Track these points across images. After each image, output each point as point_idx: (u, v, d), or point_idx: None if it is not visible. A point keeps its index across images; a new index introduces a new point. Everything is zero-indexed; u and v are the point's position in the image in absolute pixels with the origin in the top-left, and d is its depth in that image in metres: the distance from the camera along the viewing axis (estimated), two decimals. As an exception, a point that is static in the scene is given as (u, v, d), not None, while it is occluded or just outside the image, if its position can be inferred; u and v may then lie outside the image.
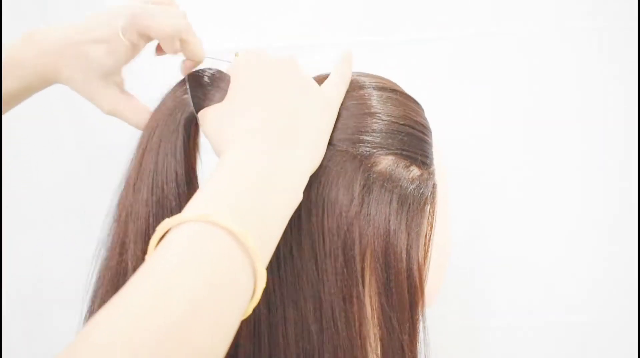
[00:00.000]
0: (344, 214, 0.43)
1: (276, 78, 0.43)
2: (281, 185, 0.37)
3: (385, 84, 0.50)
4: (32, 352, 0.87)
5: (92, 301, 0.45)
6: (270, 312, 0.43)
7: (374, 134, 0.46)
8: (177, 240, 0.32)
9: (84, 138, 0.82)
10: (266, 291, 0.42)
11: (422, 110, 0.51)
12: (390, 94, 0.48)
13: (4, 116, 0.50)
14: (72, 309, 0.88)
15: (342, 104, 0.47)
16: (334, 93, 0.46)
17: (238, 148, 0.38)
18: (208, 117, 0.43)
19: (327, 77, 0.49)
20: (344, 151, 0.45)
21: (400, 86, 0.52)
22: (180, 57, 0.48)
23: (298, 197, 0.39)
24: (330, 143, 0.45)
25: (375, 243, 0.43)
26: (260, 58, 0.45)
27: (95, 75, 0.46)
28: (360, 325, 0.43)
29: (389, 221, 0.44)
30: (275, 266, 0.43)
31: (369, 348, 0.45)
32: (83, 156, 0.82)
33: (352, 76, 0.50)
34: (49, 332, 0.87)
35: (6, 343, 0.84)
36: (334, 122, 0.45)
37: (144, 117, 0.47)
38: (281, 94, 0.42)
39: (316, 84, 0.46)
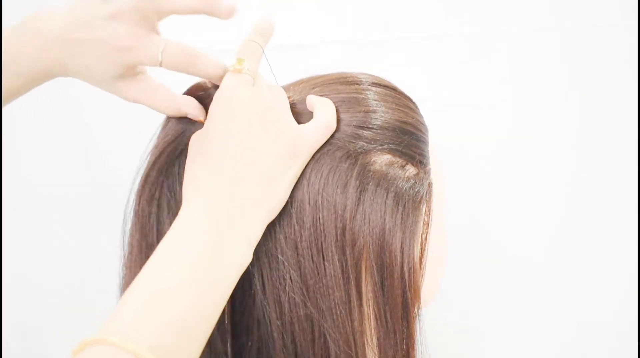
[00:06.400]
0: (339, 213, 0.43)
1: (248, 131, 0.41)
2: (221, 272, 0.38)
3: (382, 82, 0.50)
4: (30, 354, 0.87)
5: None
6: (277, 307, 0.44)
7: (370, 129, 0.46)
8: None
9: (82, 141, 0.82)
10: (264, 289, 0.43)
11: (418, 109, 0.51)
12: (387, 92, 0.49)
13: (4, 117, 0.49)
14: (68, 312, 0.87)
15: (338, 99, 0.47)
16: (312, 142, 0.44)
17: (185, 222, 0.39)
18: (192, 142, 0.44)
19: (325, 77, 0.50)
20: (339, 146, 0.45)
21: (397, 84, 0.52)
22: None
23: (242, 267, 0.40)
24: None
25: (370, 242, 0.43)
26: (239, 100, 0.42)
27: (108, 66, 0.41)
28: (358, 322, 0.44)
29: (384, 219, 0.44)
30: (275, 265, 0.43)
31: (367, 346, 0.45)
32: (83, 161, 0.82)
33: (350, 73, 0.50)
34: (46, 334, 0.86)
35: (4, 344, 0.84)
36: (299, 173, 0.44)
37: (169, 105, 0.45)
38: (247, 156, 0.41)
39: (293, 130, 0.44)
